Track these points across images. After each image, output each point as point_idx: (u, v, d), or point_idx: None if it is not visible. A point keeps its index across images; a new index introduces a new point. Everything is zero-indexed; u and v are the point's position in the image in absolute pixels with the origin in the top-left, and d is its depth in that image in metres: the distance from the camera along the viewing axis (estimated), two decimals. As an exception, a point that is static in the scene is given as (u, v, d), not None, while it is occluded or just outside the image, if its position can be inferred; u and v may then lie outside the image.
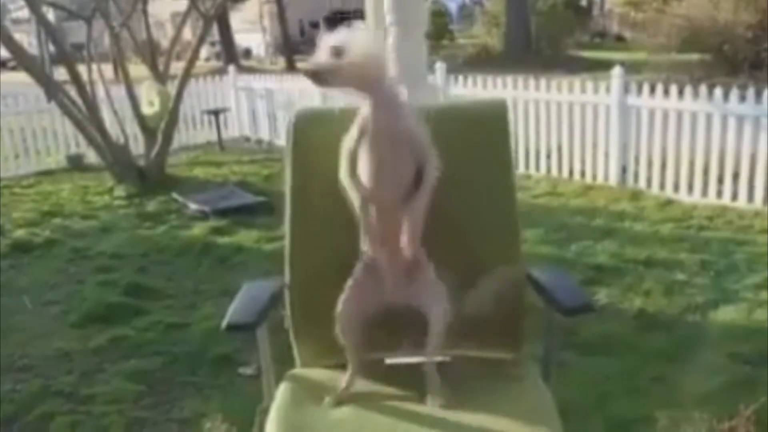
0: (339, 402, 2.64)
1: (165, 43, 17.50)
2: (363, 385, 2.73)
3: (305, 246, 2.86)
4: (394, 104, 2.59)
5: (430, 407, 2.59)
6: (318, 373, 2.82)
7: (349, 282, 2.69)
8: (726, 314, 5.55)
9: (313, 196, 2.85)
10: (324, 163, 2.76)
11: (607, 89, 9.53)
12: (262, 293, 2.77)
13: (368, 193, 2.57)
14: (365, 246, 2.68)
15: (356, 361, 2.73)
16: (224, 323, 2.57)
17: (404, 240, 2.61)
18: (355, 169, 2.60)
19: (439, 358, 2.78)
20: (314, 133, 2.87)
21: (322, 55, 2.48)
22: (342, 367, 2.76)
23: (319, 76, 2.48)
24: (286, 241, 2.87)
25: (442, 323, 2.65)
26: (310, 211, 2.85)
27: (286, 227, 2.87)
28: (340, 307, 2.67)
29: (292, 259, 2.85)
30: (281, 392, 2.70)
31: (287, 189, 2.87)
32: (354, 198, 2.61)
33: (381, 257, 2.65)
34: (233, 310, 2.64)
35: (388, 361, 2.90)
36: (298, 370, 2.87)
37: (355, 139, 2.59)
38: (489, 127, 2.94)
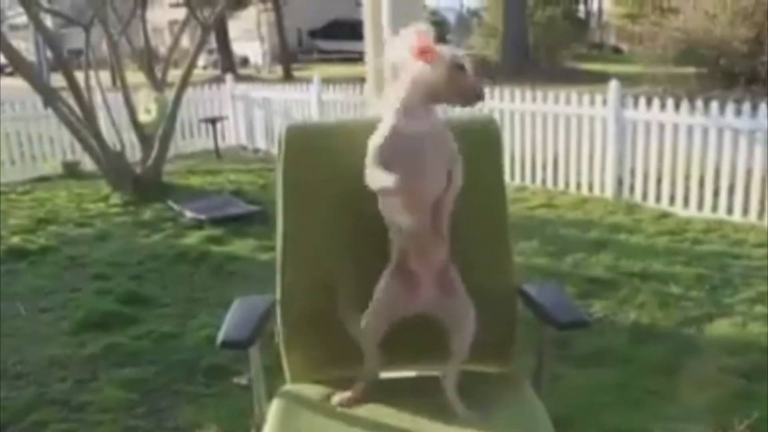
0: (343, 405, 2.66)
1: (163, 51, 17.51)
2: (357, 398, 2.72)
3: (296, 262, 2.84)
4: (433, 112, 2.57)
5: (427, 421, 2.59)
6: (309, 389, 2.81)
7: (380, 289, 2.65)
8: (720, 328, 5.56)
9: (304, 211, 2.84)
10: (315, 178, 2.77)
11: (604, 102, 9.57)
12: (254, 310, 2.76)
13: (409, 193, 2.50)
14: (394, 252, 2.64)
15: (370, 371, 2.72)
16: (219, 341, 2.56)
17: (440, 245, 2.60)
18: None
19: (432, 373, 2.79)
20: (305, 147, 2.86)
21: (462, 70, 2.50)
22: (332, 382, 2.77)
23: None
24: (278, 257, 2.85)
25: (468, 342, 2.66)
26: (301, 227, 2.84)
27: (277, 243, 2.85)
28: (370, 314, 2.65)
29: (283, 275, 2.84)
30: (274, 409, 2.69)
31: (278, 204, 2.85)
32: (388, 200, 2.58)
33: (416, 260, 2.61)
34: (227, 328, 2.63)
35: (385, 375, 2.86)
36: (290, 387, 2.86)
37: (388, 143, 2.52)
38: (480, 142, 2.93)
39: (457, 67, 2.47)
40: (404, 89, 2.50)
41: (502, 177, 2.98)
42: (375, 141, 2.55)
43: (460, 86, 2.48)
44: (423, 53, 2.46)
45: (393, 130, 2.52)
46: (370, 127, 2.61)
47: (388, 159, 2.51)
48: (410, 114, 2.50)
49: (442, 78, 2.45)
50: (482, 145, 2.93)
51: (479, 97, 2.50)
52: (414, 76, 2.47)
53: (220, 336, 2.57)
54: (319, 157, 2.79)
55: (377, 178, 2.52)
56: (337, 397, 2.68)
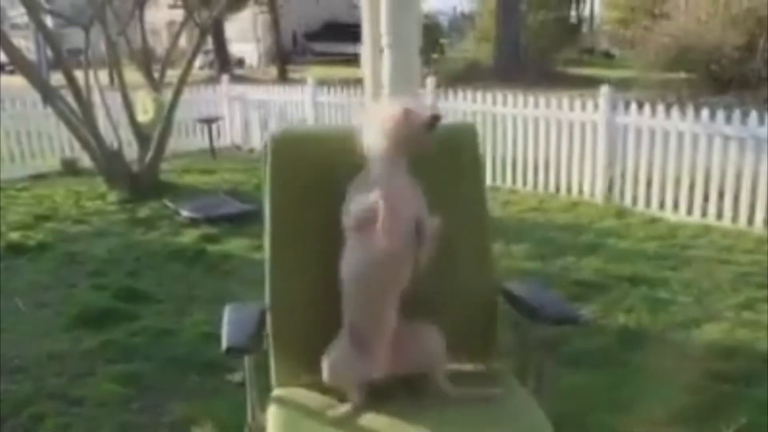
0: (341, 419, 2.68)
1: (160, 51, 17.51)
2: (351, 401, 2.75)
3: (284, 269, 2.88)
4: (404, 166, 2.66)
5: (420, 419, 2.63)
6: (300, 394, 2.84)
7: (333, 354, 2.73)
8: (709, 333, 5.59)
9: (290, 218, 2.87)
10: (302, 184, 2.82)
11: (595, 107, 9.61)
12: (251, 317, 2.79)
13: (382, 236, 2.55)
14: (346, 318, 2.72)
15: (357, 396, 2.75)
16: (224, 347, 2.59)
17: (387, 308, 2.68)
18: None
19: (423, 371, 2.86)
20: (291, 154, 2.89)
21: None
22: (319, 386, 2.80)
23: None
24: (266, 263, 2.89)
25: (442, 366, 2.75)
26: (289, 233, 2.88)
27: (266, 249, 2.89)
28: (330, 375, 2.73)
29: (272, 281, 2.88)
30: (272, 416, 2.72)
31: (265, 211, 2.89)
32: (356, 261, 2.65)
33: (363, 326, 2.70)
34: (229, 333, 2.66)
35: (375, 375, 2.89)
36: (282, 391, 2.88)
37: (370, 208, 2.57)
38: (460, 147, 3.01)
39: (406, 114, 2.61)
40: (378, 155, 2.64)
41: (482, 182, 3.06)
42: (359, 202, 2.63)
43: (416, 126, 2.61)
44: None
45: (377, 195, 2.58)
46: (357, 133, 2.68)
47: (368, 221, 2.58)
48: (385, 173, 2.62)
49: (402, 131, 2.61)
50: (462, 149, 3.01)
51: (437, 118, 2.62)
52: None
53: (224, 342, 2.61)
54: (306, 163, 2.84)
55: (360, 208, 2.60)
56: (332, 412, 2.71)
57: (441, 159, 2.75)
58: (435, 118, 2.59)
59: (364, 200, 2.58)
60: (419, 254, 2.62)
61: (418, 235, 2.62)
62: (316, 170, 2.77)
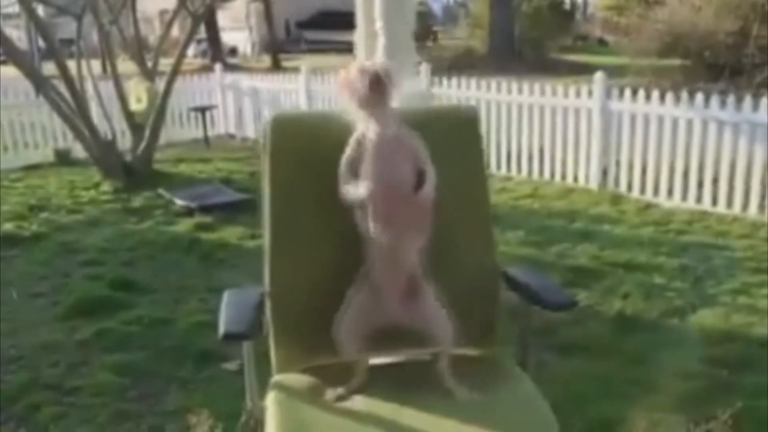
0: (340, 399, 2.68)
1: (153, 40, 17.47)
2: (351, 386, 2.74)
3: (284, 254, 2.86)
4: (394, 118, 2.69)
5: (423, 406, 2.62)
6: (300, 379, 2.82)
7: (348, 300, 2.71)
8: (704, 318, 5.61)
9: (290, 201, 2.86)
10: (302, 169, 2.80)
11: (590, 93, 9.61)
12: (248, 302, 2.78)
13: (374, 200, 2.60)
14: (366, 261, 2.70)
15: (359, 368, 2.76)
16: (220, 333, 2.58)
17: (406, 252, 2.66)
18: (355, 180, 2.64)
19: (420, 358, 2.85)
20: (291, 138, 2.88)
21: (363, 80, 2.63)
22: (319, 371, 2.81)
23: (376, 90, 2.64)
24: (266, 249, 2.87)
25: (447, 344, 2.72)
26: (289, 218, 2.86)
27: (265, 235, 2.87)
28: (338, 326, 2.71)
29: (271, 266, 2.86)
30: (271, 401, 2.71)
31: (264, 195, 2.87)
32: (357, 209, 2.66)
33: (382, 273, 2.67)
34: (226, 320, 2.65)
35: (377, 361, 2.90)
36: (280, 377, 2.86)
37: (355, 151, 2.66)
38: (462, 132, 3.00)
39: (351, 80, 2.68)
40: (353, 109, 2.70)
41: (483, 164, 3.05)
42: (344, 154, 2.69)
43: (362, 89, 2.65)
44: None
45: (356, 140, 2.67)
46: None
47: (356, 167, 2.64)
48: (383, 128, 2.65)
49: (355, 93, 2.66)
50: (463, 133, 3.00)
51: (378, 77, 2.65)
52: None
53: (221, 328, 2.60)
54: (305, 148, 2.82)
55: (349, 190, 2.64)
56: (332, 393, 2.70)
57: (442, 142, 2.74)
58: (375, 76, 2.63)
59: (351, 190, 2.65)
60: (422, 199, 2.62)
61: (419, 181, 2.64)
62: (315, 154, 2.75)
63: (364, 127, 2.67)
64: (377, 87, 2.63)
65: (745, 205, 8.23)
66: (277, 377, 2.87)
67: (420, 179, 2.63)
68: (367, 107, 2.65)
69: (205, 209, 8.86)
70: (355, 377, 2.75)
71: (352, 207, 2.67)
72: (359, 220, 2.67)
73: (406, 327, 2.72)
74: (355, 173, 2.64)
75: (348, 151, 2.67)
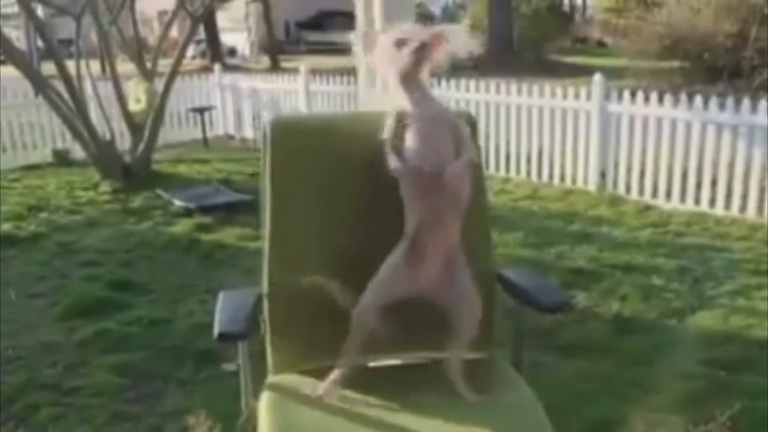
0: (327, 396, 2.67)
1: (152, 41, 17.47)
2: (348, 387, 2.73)
3: (283, 255, 2.86)
4: (430, 95, 2.73)
5: (417, 409, 2.62)
6: (296, 380, 2.82)
7: (386, 265, 2.68)
8: (702, 320, 5.62)
9: (289, 204, 2.86)
10: (301, 171, 2.81)
11: (588, 95, 9.60)
12: (244, 303, 2.79)
13: (413, 175, 2.61)
14: (407, 231, 2.68)
15: (351, 351, 2.73)
16: (215, 333, 2.59)
17: (446, 227, 2.66)
18: (401, 151, 2.64)
19: (418, 361, 2.86)
20: (291, 140, 2.88)
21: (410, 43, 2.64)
22: (315, 372, 2.79)
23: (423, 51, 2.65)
24: (264, 250, 2.87)
25: (472, 326, 2.71)
26: (287, 220, 2.86)
27: (264, 235, 2.87)
28: (370, 290, 2.68)
29: (269, 268, 2.86)
30: (265, 402, 2.71)
31: (265, 196, 2.87)
32: (404, 181, 2.65)
33: (424, 243, 2.65)
34: (221, 320, 2.66)
35: (371, 364, 2.91)
36: (275, 378, 2.87)
37: (396, 126, 2.65)
38: None
39: (397, 43, 2.67)
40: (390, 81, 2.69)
41: (480, 168, 3.03)
42: (386, 128, 2.68)
43: (406, 54, 2.64)
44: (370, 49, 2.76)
45: (397, 116, 2.66)
46: (357, 120, 2.69)
47: (400, 141, 2.64)
48: (404, 96, 2.65)
49: (395, 59, 2.67)
50: None
51: (425, 45, 2.66)
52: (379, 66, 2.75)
53: (216, 329, 2.60)
54: (306, 150, 2.82)
55: (391, 161, 2.63)
56: (320, 389, 2.70)
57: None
58: (421, 46, 2.64)
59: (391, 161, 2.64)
60: (449, 174, 2.60)
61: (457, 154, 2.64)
62: (316, 156, 2.76)
63: (402, 101, 2.67)
64: (423, 58, 2.65)
65: (744, 207, 8.24)
66: (272, 378, 2.88)
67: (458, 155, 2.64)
68: (407, 80, 2.66)
69: (204, 210, 8.86)
70: (337, 370, 2.73)
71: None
72: (403, 191, 2.66)
73: (432, 297, 2.71)
74: (398, 147, 2.64)
75: (390, 126, 2.67)
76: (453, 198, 2.63)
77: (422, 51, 2.63)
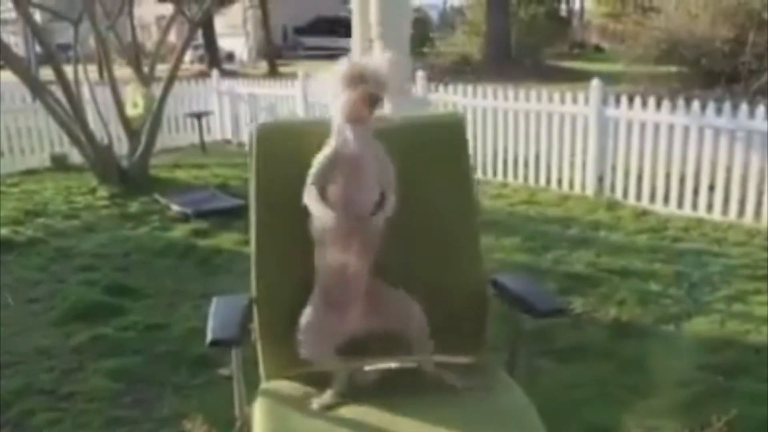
0: (324, 408, 2.67)
1: (149, 46, 17.47)
2: (339, 393, 2.73)
3: (270, 260, 2.87)
4: (369, 134, 2.69)
5: (410, 414, 2.62)
6: (288, 387, 2.82)
7: (307, 315, 2.73)
8: (699, 325, 5.61)
9: (276, 209, 2.87)
10: (287, 177, 2.79)
11: (586, 100, 9.61)
12: (236, 309, 2.80)
13: (336, 223, 2.63)
14: (317, 281, 2.73)
15: (338, 373, 2.75)
16: (208, 340, 2.60)
17: (359, 271, 2.69)
18: (324, 194, 2.66)
19: (408, 365, 2.85)
20: (277, 146, 2.90)
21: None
22: (307, 378, 2.79)
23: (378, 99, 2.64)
24: (252, 256, 2.88)
25: (423, 338, 2.74)
26: (275, 225, 2.87)
27: (252, 242, 2.88)
28: (305, 343, 2.72)
29: (258, 273, 2.87)
30: (258, 409, 2.71)
31: (251, 203, 2.89)
32: (319, 221, 2.68)
33: (339, 292, 2.71)
34: (214, 327, 2.66)
35: (365, 368, 2.89)
36: (268, 385, 2.87)
37: (328, 164, 2.67)
38: (447, 138, 3.01)
39: (353, 79, 2.63)
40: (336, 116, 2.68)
41: (469, 170, 3.05)
42: (317, 159, 2.70)
43: (363, 95, 2.62)
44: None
45: (333, 152, 2.67)
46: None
47: (326, 177, 2.67)
48: (349, 136, 2.65)
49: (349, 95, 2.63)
50: (448, 140, 3.01)
51: (379, 99, 2.65)
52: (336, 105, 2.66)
53: (209, 335, 2.61)
54: (291, 155, 2.82)
55: (315, 206, 2.67)
56: (319, 400, 2.70)
57: (428, 149, 2.76)
58: (373, 97, 2.62)
59: (318, 209, 2.67)
60: (378, 220, 2.64)
61: (380, 203, 2.66)
62: (302, 161, 2.74)
63: (340, 139, 2.67)
64: (373, 106, 2.63)
65: (741, 212, 8.23)
66: (264, 384, 2.88)
67: (381, 199, 2.67)
68: (353, 122, 2.65)
69: (201, 215, 8.86)
70: (336, 384, 2.74)
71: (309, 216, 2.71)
72: (315, 232, 2.70)
73: (379, 333, 2.75)
74: (324, 183, 2.67)
75: (321, 162, 2.68)
76: (367, 243, 2.67)
77: (375, 100, 2.63)
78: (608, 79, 11.68)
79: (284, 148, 2.88)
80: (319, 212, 2.64)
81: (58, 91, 10.51)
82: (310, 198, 2.66)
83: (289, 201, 2.78)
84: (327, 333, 2.72)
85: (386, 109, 2.70)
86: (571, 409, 4.31)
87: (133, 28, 12.55)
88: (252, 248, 2.88)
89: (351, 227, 2.63)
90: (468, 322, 2.91)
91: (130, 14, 12.37)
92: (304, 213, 2.73)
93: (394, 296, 2.75)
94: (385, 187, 2.66)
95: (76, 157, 11.82)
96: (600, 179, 9.59)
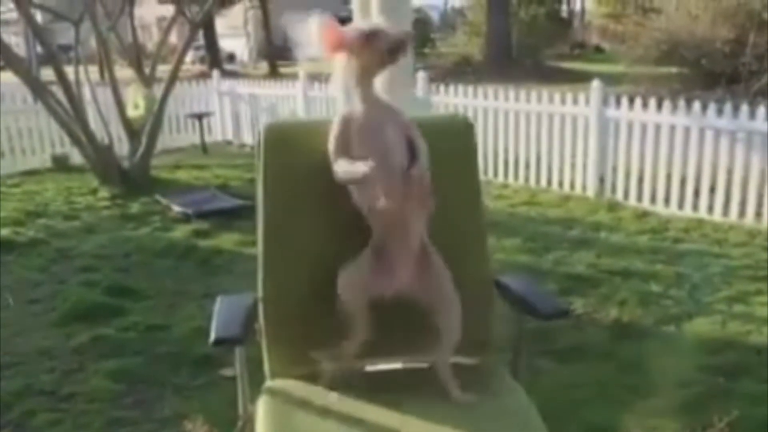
0: (325, 410, 2.65)
1: (150, 47, 17.47)
2: (344, 393, 2.72)
3: (278, 260, 2.86)
4: (380, 98, 2.69)
5: (416, 414, 2.60)
6: (293, 385, 2.82)
7: (351, 267, 2.67)
8: (700, 326, 5.60)
9: (283, 208, 2.85)
10: (295, 176, 2.80)
11: (587, 101, 9.61)
12: (240, 308, 2.78)
13: (373, 176, 2.50)
14: (373, 236, 2.67)
15: (353, 350, 2.73)
16: (211, 338, 2.58)
17: (413, 223, 2.63)
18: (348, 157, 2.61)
19: (419, 365, 2.85)
20: (285, 146, 2.88)
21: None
22: (312, 377, 2.79)
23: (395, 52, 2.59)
24: (259, 255, 2.87)
25: (456, 323, 2.69)
26: (283, 225, 2.86)
27: (259, 241, 2.87)
28: (342, 292, 2.66)
29: (265, 273, 2.86)
30: (262, 407, 2.70)
31: (258, 203, 2.87)
32: (361, 183, 2.60)
33: (393, 244, 2.64)
34: (217, 325, 2.65)
35: (368, 368, 2.92)
36: (272, 383, 2.86)
37: (342, 130, 2.63)
38: (455, 141, 2.99)
39: (370, 36, 2.59)
40: (339, 81, 2.65)
41: (477, 174, 3.04)
42: (331, 134, 2.66)
43: (381, 49, 2.58)
44: (334, 48, 2.65)
45: (343, 119, 2.64)
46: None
47: (347, 147, 2.62)
48: (356, 99, 2.63)
49: (364, 54, 2.60)
50: (457, 143, 2.99)
51: (404, 42, 2.60)
52: (338, 67, 2.65)
53: (212, 334, 2.60)
54: (299, 155, 2.82)
55: (346, 169, 2.60)
56: (323, 399, 2.69)
57: (435, 151, 2.74)
58: (400, 43, 2.59)
59: (349, 169, 2.59)
60: (416, 173, 2.57)
61: (412, 155, 2.61)
62: (310, 161, 2.74)
63: (349, 105, 2.64)
64: (395, 56, 2.61)
65: (742, 213, 8.24)
66: (269, 383, 2.87)
67: (412, 152, 2.62)
68: (366, 78, 2.63)
69: (202, 215, 8.87)
70: (341, 382, 2.73)
71: (347, 191, 2.67)
72: (358, 199, 2.65)
73: (410, 299, 2.70)
74: (345, 152, 2.62)
75: (336, 130, 2.65)
76: (413, 196, 2.59)
77: (397, 49, 2.59)
78: (609, 79, 11.67)
79: (292, 147, 2.87)
80: (358, 170, 2.51)
81: (59, 92, 10.51)
82: (341, 168, 2.61)
83: (296, 200, 2.79)
84: (367, 281, 2.66)
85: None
86: (572, 409, 4.31)
87: (134, 29, 12.58)
88: (259, 248, 2.86)
89: (391, 182, 2.54)
90: (474, 323, 2.90)
91: (131, 15, 12.39)
92: (311, 212, 2.73)
93: (444, 275, 2.71)
94: (412, 138, 2.63)
95: (77, 157, 11.81)
96: (601, 180, 9.59)
